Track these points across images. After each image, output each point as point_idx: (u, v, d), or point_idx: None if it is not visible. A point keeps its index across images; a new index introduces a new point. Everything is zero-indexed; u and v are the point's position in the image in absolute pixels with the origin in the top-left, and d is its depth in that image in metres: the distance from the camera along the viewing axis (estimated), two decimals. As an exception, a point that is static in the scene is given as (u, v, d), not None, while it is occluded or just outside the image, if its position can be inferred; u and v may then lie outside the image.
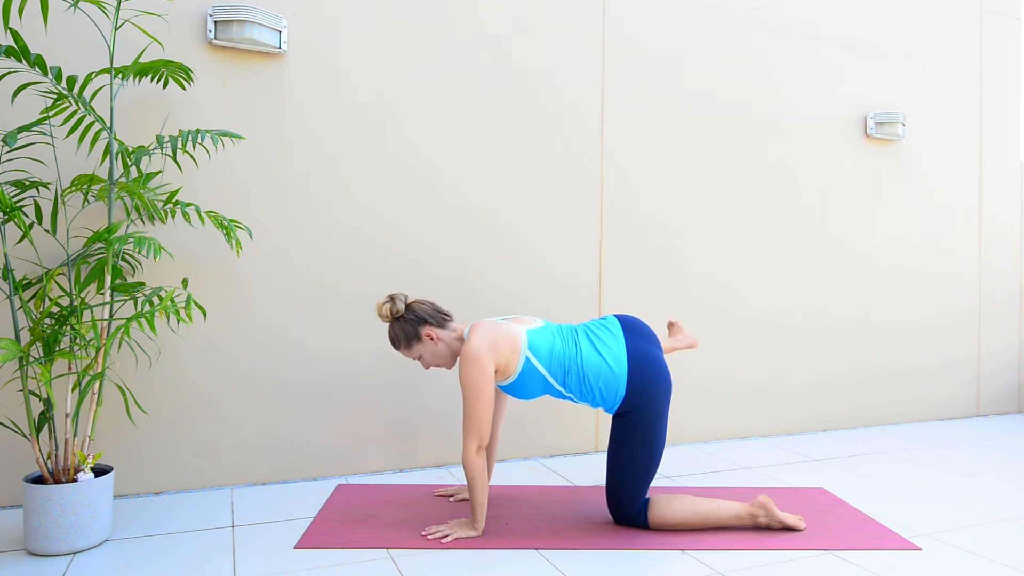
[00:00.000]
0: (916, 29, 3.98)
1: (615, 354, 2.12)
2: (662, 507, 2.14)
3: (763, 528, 2.16)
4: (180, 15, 2.50)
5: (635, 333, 2.20)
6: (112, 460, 2.42)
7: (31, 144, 2.12)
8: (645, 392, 2.10)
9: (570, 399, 2.18)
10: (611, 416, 2.24)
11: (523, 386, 2.15)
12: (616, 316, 2.26)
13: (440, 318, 2.22)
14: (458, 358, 2.22)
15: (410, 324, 2.19)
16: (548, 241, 3.07)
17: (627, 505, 2.14)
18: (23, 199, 2.15)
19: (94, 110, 2.14)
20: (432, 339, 2.19)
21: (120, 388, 2.07)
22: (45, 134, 2.09)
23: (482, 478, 2.05)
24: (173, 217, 2.46)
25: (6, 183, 2.07)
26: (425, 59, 2.85)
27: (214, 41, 2.51)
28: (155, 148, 2.22)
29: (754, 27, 3.51)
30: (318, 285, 2.69)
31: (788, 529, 2.17)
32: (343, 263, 2.73)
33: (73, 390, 2.07)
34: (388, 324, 2.24)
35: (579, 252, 3.13)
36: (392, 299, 2.20)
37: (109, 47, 2.18)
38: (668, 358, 3.28)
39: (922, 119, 4.00)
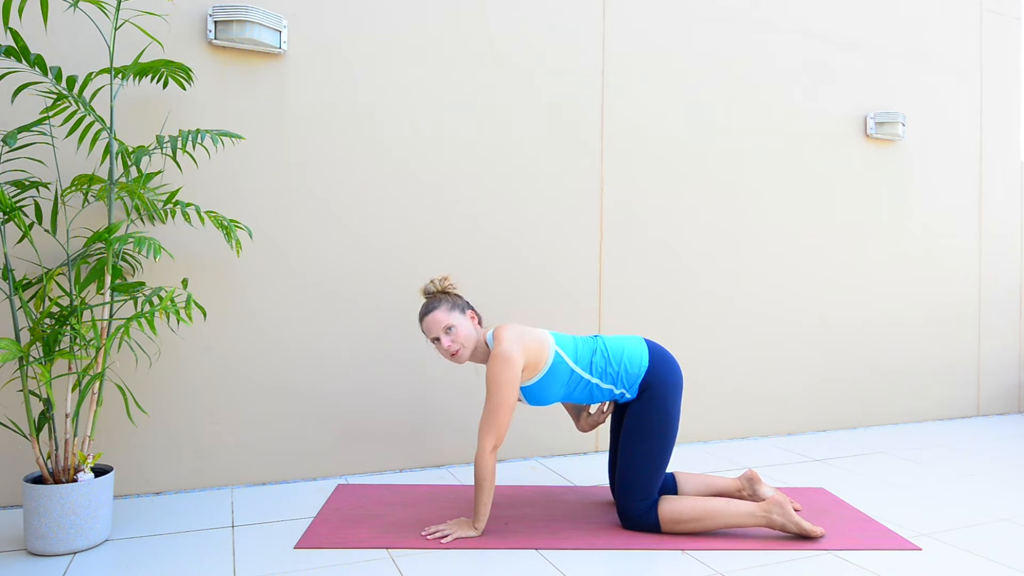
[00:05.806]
0: (916, 29, 3.98)
1: (634, 338, 2.27)
2: (671, 504, 2.13)
3: (778, 528, 2.08)
4: (180, 15, 2.50)
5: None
6: (112, 460, 2.42)
7: (31, 144, 2.12)
8: (665, 368, 2.20)
9: (594, 388, 2.19)
10: (625, 408, 2.28)
11: (547, 384, 2.17)
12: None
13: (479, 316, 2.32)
14: (475, 356, 2.26)
15: (461, 299, 2.26)
16: (548, 239, 3.07)
17: (638, 497, 2.13)
18: (23, 199, 2.15)
19: (94, 110, 2.14)
20: (474, 320, 2.25)
21: (120, 388, 2.07)
22: (45, 134, 2.09)
23: (492, 478, 2.06)
24: (173, 217, 2.46)
25: (6, 183, 2.07)
26: (425, 58, 2.85)
27: (214, 41, 2.51)
28: (155, 148, 2.22)
29: (754, 26, 3.51)
30: (318, 285, 2.69)
31: (804, 537, 2.09)
32: (343, 262, 2.73)
33: (73, 390, 2.07)
34: (430, 296, 2.24)
35: (579, 251, 3.13)
36: (448, 277, 2.29)
37: (109, 47, 2.18)
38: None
39: (922, 119, 4.00)
